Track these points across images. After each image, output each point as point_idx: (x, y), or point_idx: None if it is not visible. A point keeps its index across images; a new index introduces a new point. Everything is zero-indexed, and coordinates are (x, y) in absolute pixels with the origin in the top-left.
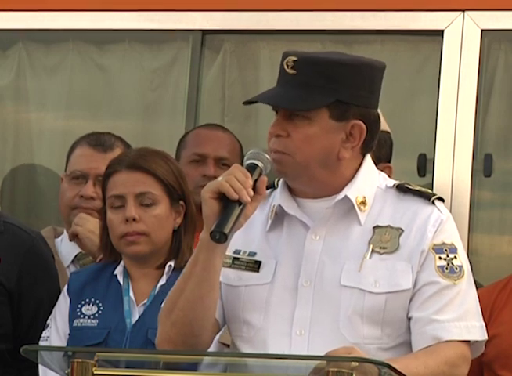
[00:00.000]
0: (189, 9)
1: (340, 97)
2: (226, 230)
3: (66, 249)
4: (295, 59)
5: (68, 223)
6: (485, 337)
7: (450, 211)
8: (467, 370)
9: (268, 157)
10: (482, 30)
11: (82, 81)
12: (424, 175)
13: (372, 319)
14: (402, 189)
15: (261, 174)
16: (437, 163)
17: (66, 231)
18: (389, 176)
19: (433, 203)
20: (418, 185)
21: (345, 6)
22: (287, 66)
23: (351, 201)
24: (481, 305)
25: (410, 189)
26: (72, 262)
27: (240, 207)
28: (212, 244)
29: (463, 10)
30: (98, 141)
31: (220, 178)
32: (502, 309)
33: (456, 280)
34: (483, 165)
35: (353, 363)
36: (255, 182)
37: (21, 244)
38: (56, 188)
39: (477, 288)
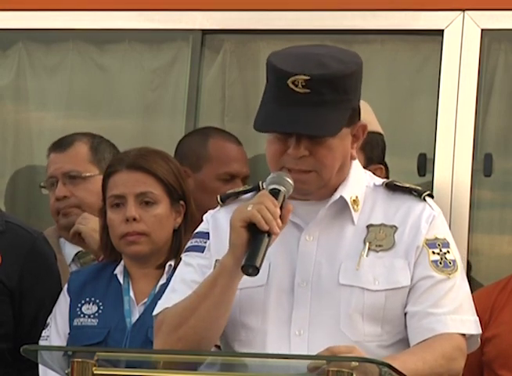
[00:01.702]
0: (189, 8)
1: (353, 105)
2: (257, 264)
3: (69, 248)
4: (307, 78)
5: (61, 229)
6: (479, 331)
7: (450, 211)
8: (463, 363)
9: (289, 180)
10: (482, 30)
11: (82, 81)
12: (424, 175)
13: (372, 316)
14: (391, 186)
15: (284, 199)
16: (437, 163)
17: (62, 235)
18: (380, 177)
19: (424, 199)
20: (417, 184)
21: (345, 6)
22: (295, 85)
23: (345, 201)
24: (481, 306)
25: (400, 186)
26: (72, 260)
27: (269, 238)
28: (235, 271)
29: (463, 10)
30: (58, 143)
31: (250, 208)
32: (503, 309)
33: (450, 274)
34: (483, 165)
35: (353, 362)
36: (280, 209)
37: (23, 243)
38: None
39: (477, 288)
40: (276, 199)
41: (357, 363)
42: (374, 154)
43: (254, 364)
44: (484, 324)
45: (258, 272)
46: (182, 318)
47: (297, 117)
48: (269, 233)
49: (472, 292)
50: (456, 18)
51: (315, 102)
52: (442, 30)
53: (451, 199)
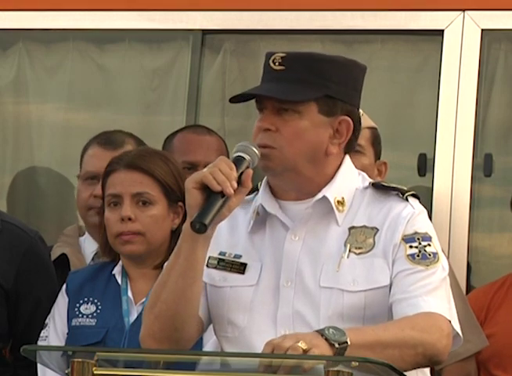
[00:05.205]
0: (189, 8)
1: (329, 92)
2: (206, 221)
3: (89, 248)
4: (283, 55)
5: (86, 223)
6: (457, 324)
7: (450, 211)
8: (445, 343)
9: (256, 150)
10: (482, 30)
11: (82, 81)
12: (424, 175)
13: (353, 317)
14: (377, 186)
15: (248, 167)
16: (437, 163)
17: (87, 232)
18: (385, 172)
19: (406, 199)
20: (417, 184)
21: (345, 6)
22: (274, 62)
23: (329, 202)
24: (477, 305)
25: (385, 186)
26: (92, 259)
27: (223, 199)
28: (195, 235)
29: (463, 10)
30: (107, 140)
31: (205, 170)
32: (498, 309)
33: (428, 266)
34: (483, 165)
35: (353, 362)
36: (241, 174)
37: (19, 243)
38: (57, 188)
39: (476, 288)
40: (238, 165)
41: (357, 363)
42: (378, 149)
43: (243, 363)
44: (480, 323)
45: (206, 229)
46: (156, 295)
47: (263, 88)
48: (224, 195)
49: (471, 292)
50: (456, 18)
51: (291, 79)
52: (442, 30)
53: (451, 199)
